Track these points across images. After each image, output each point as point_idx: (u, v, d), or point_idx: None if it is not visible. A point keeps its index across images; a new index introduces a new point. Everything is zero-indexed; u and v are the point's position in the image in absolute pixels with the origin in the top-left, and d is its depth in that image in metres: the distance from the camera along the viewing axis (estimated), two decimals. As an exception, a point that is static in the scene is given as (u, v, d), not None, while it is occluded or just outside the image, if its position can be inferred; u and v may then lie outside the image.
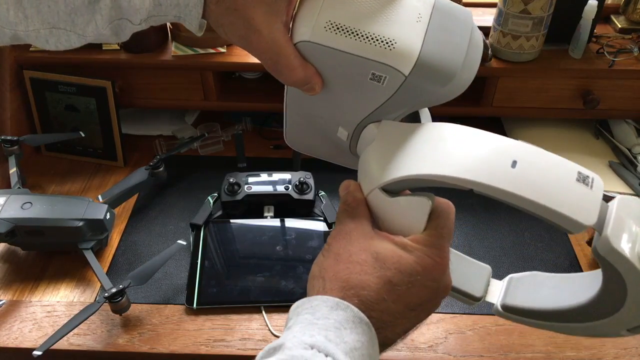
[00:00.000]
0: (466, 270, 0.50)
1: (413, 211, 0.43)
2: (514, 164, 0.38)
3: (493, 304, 0.50)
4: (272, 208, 0.92)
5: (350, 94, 0.43)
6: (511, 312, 0.48)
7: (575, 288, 0.45)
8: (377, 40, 0.39)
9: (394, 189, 0.43)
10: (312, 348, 0.36)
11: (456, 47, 0.41)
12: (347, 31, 0.40)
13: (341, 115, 0.46)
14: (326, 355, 0.35)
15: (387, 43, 0.39)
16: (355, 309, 0.38)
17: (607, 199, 0.38)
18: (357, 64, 0.40)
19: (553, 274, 0.49)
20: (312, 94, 0.44)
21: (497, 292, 0.50)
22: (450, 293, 0.47)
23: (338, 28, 0.40)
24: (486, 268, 0.51)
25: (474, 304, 0.49)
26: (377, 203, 0.44)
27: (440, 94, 0.42)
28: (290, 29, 0.42)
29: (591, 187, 0.37)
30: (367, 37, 0.40)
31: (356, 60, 0.40)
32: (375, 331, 0.39)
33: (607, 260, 0.37)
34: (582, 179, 0.38)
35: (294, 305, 0.41)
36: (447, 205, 0.43)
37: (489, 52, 0.97)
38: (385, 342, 0.41)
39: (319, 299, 0.39)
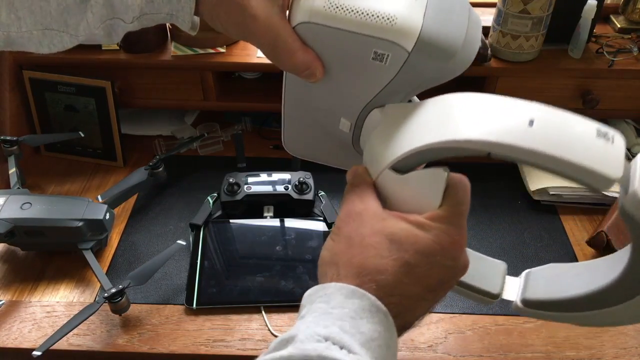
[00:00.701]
0: (480, 267, 0.48)
1: (428, 186, 0.40)
2: (531, 122, 0.36)
3: (511, 302, 0.48)
4: (271, 208, 0.92)
5: (352, 77, 0.42)
6: (533, 306, 0.46)
7: (599, 271, 0.43)
8: (378, 16, 0.38)
9: (405, 166, 0.41)
10: (326, 340, 0.34)
11: (456, 23, 0.40)
12: (347, 9, 0.39)
13: (343, 104, 0.45)
14: (341, 348, 0.34)
15: (388, 19, 0.38)
16: (372, 298, 0.36)
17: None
18: (358, 43, 0.39)
19: (572, 264, 0.47)
20: (313, 80, 0.43)
21: (514, 288, 0.48)
22: (465, 292, 0.46)
23: (337, 7, 0.39)
24: (501, 264, 0.49)
25: (491, 302, 0.47)
26: (387, 184, 0.42)
27: (442, 72, 0.41)
28: (288, 12, 0.41)
29: (612, 142, 0.36)
30: (367, 14, 0.39)
31: (358, 39, 0.39)
32: (395, 316, 0.37)
33: (636, 219, 0.35)
34: (603, 135, 0.36)
35: (307, 293, 0.39)
36: (462, 179, 0.41)
37: (489, 51, 0.97)
38: (405, 326, 0.39)
39: (333, 286, 0.38)
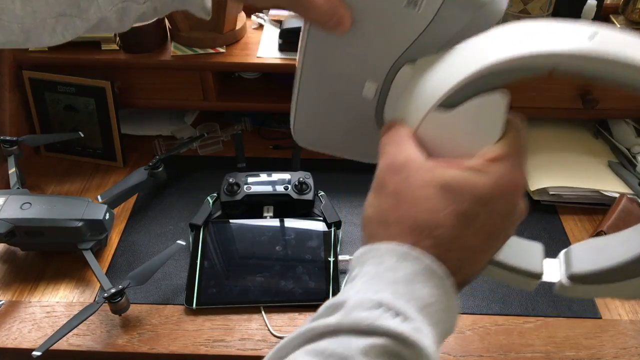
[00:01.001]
0: (518, 247, 0.44)
1: (483, 118, 0.36)
2: (594, 34, 0.33)
3: (553, 283, 0.45)
4: (271, 208, 0.92)
5: (382, 29, 0.40)
6: (581, 281, 0.43)
7: None
8: None
9: (454, 102, 0.36)
10: (379, 307, 0.31)
11: None
12: None
13: (370, 62, 0.42)
14: (396, 314, 0.31)
15: None
16: (428, 260, 0.34)
17: None
18: None
19: (611, 235, 0.44)
20: (340, 31, 0.40)
21: (554, 269, 0.45)
22: (504, 275, 0.43)
23: None
24: (538, 245, 0.46)
25: (532, 284, 0.44)
26: (432, 130, 0.38)
27: (473, 23, 0.38)
28: None
29: None
30: None
31: None
32: (454, 272, 0.34)
33: None
34: None
35: (358, 253, 0.36)
36: (517, 117, 0.38)
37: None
38: (464, 282, 0.36)
39: (386, 247, 0.35)
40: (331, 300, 0.33)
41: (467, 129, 0.37)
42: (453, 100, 0.36)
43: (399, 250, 0.34)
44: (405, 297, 0.32)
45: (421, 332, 0.31)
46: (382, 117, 0.44)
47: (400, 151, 0.38)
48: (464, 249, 0.35)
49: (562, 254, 0.46)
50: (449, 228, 0.34)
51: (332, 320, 0.32)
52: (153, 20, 0.97)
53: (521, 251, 0.44)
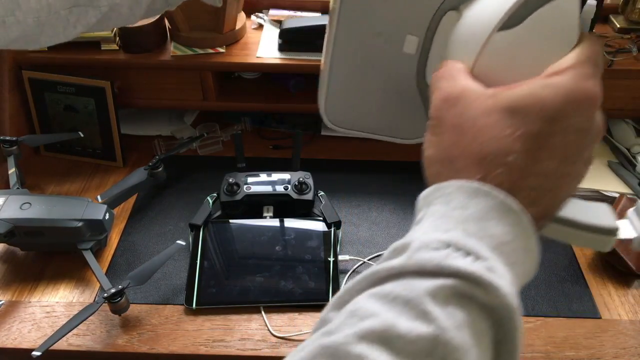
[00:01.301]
0: (586, 206, 0.42)
1: (556, 24, 0.34)
2: None
3: (630, 239, 0.42)
4: (271, 208, 0.92)
5: None
6: None
7: None
8: None
9: (516, 20, 0.34)
10: (446, 247, 0.29)
11: None
12: None
13: (410, 15, 0.40)
14: (466, 254, 0.29)
15: None
16: (501, 195, 0.31)
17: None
18: None
19: None
20: None
21: (627, 226, 0.43)
22: (577, 235, 0.39)
23: None
24: (605, 204, 0.43)
25: (608, 242, 0.41)
26: (493, 56, 0.35)
27: None
28: None
29: None
30: None
31: None
32: (533, 202, 0.32)
33: None
34: None
35: (423, 195, 0.34)
36: (591, 33, 0.34)
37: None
38: (546, 214, 0.33)
39: (452, 185, 0.32)
40: (396, 243, 0.31)
41: (534, 45, 0.34)
42: (517, 16, 0.33)
43: (467, 187, 0.31)
44: (476, 236, 0.30)
45: (495, 271, 0.29)
46: (424, 74, 0.43)
47: (455, 84, 0.35)
48: (539, 175, 0.32)
49: (630, 212, 0.44)
50: (521, 153, 0.31)
51: (396, 262, 0.29)
52: (153, 20, 0.97)
53: (591, 210, 0.41)
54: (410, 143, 0.48)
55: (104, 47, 1.00)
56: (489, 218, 0.30)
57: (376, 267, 0.30)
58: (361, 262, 0.87)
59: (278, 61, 0.98)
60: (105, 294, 0.75)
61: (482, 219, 0.30)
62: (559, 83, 0.32)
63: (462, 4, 0.39)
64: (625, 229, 0.43)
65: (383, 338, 0.26)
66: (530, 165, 0.31)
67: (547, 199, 0.33)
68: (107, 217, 0.85)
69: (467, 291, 0.28)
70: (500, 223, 0.30)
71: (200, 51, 1.00)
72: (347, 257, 0.87)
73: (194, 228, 0.89)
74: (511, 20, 0.34)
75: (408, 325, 0.27)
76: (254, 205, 0.92)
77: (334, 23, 0.43)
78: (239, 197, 0.91)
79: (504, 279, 0.29)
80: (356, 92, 0.46)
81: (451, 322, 0.27)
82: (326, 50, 0.44)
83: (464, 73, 0.35)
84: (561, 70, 0.32)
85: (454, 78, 0.35)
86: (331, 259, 0.85)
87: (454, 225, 0.30)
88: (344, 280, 0.85)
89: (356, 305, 0.29)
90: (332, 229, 0.89)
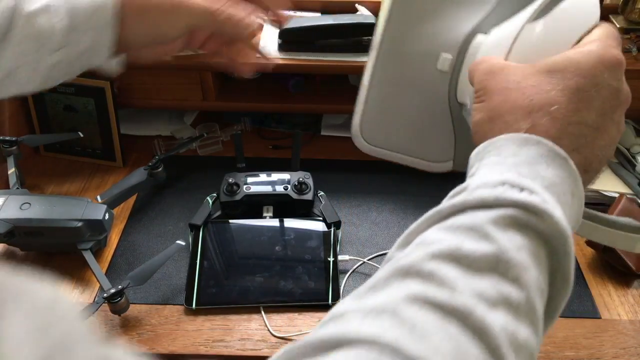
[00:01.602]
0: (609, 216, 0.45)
1: (582, 12, 0.39)
2: None
3: None
4: (271, 208, 0.92)
5: (459, 6, 0.43)
6: None
7: None
8: None
9: (546, 11, 0.40)
10: (502, 184, 0.32)
11: None
12: None
13: (445, 35, 0.44)
14: (521, 190, 0.31)
15: None
16: (550, 143, 0.34)
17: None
18: None
19: None
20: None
21: None
22: (608, 234, 0.42)
23: None
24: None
25: (638, 241, 0.43)
26: (528, 42, 0.40)
27: None
28: None
29: None
30: None
31: None
32: (575, 149, 0.35)
33: None
34: None
35: (474, 152, 0.37)
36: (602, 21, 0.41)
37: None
38: (585, 166, 0.36)
39: (503, 138, 0.35)
40: (454, 190, 0.34)
41: (561, 31, 0.40)
42: (546, 9, 0.39)
43: (517, 137, 0.35)
44: (529, 176, 0.33)
45: (549, 204, 0.31)
46: (455, 91, 0.46)
47: (496, 60, 0.40)
48: (580, 124, 0.36)
49: None
50: (564, 103, 0.36)
51: (457, 200, 0.32)
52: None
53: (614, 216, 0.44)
54: (436, 170, 0.50)
55: (103, 47, 1.00)
56: (540, 162, 0.33)
57: (437, 207, 0.33)
58: (361, 262, 0.87)
59: (278, 61, 0.98)
60: (105, 294, 0.74)
61: (533, 163, 0.33)
62: (590, 49, 0.37)
63: (491, 29, 0.43)
64: None
65: (451, 257, 0.30)
66: (571, 115, 0.35)
67: (587, 150, 0.36)
68: (106, 217, 0.85)
69: (525, 219, 0.31)
70: (550, 167, 0.33)
71: (201, 51, 0.99)
72: (347, 257, 0.87)
73: (194, 228, 0.89)
74: (541, 13, 0.39)
75: (472, 245, 0.30)
76: (254, 205, 0.92)
77: (376, 47, 0.46)
78: (238, 197, 0.91)
79: (559, 211, 0.32)
80: (390, 110, 0.48)
81: (511, 244, 0.30)
82: (365, 73, 0.47)
83: (500, 57, 0.41)
84: (589, 42, 0.38)
85: (492, 59, 0.40)
86: (331, 259, 0.85)
87: (507, 168, 0.33)
88: (344, 281, 0.85)
89: (422, 238, 0.32)
90: (332, 229, 0.89)
